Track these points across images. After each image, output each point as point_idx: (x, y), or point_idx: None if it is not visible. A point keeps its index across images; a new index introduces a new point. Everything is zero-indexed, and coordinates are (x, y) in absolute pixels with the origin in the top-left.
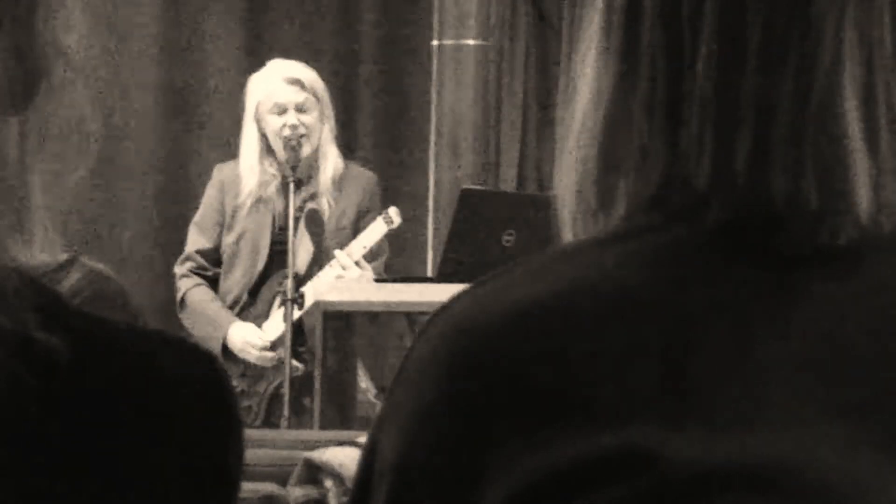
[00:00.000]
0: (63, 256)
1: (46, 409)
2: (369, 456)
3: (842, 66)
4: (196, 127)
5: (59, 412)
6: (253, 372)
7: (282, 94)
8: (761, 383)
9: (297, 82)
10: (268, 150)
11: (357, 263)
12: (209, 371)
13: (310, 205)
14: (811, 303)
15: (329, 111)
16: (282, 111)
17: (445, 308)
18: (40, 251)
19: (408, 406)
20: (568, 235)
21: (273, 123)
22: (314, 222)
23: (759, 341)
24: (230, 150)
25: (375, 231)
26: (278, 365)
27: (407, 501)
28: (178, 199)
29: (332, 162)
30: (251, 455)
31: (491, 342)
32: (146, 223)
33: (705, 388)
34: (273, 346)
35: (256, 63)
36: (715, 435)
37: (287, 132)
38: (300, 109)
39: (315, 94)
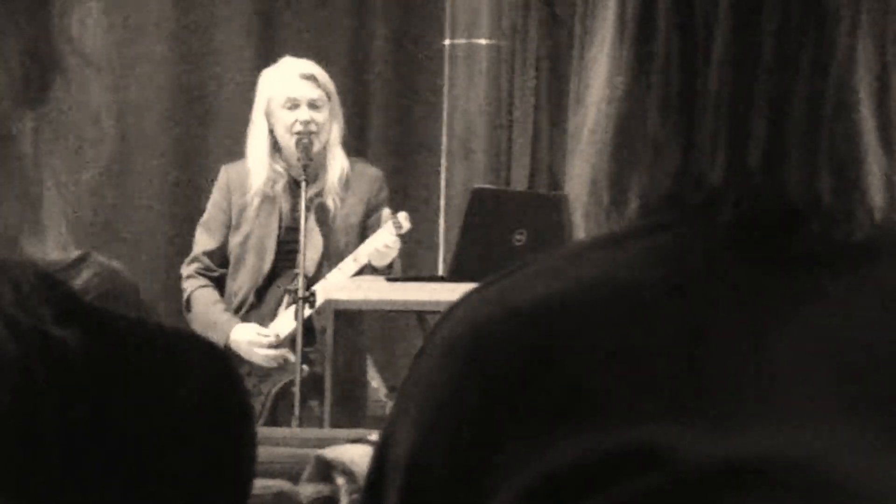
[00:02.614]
0: (75, 253)
1: (60, 403)
2: (382, 453)
3: (856, 65)
4: (209, 124)
5: (72, 406)
6: (258, 372)
7: (296, 88)
8: (775, 380)
9: (312, 78)
10: (275, 147)
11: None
12: (221, 366)
13: (318, 201)
14: (825, 300)
15: (338, 110)
16: (294, 106)
17: (457, 306)
18: (53, 248)
19: (421, 403)
20: (581, 233)
21: (284, 118)
22: (322, 218)
23: (773, 338)
24: (242, 148)
25: (384, 236)
26: (283, 365)
27: (420, 498)
28: (192, 195)
29: (338, 161)
30: (263, 452)
31: (503, 340)
32: (159, 220)
33: (719, 385)
34: (279, 343)
35: (269, 62)
36: (728, 432)
37: (299, 127)
38: (313, 105)
39: (327, 92)
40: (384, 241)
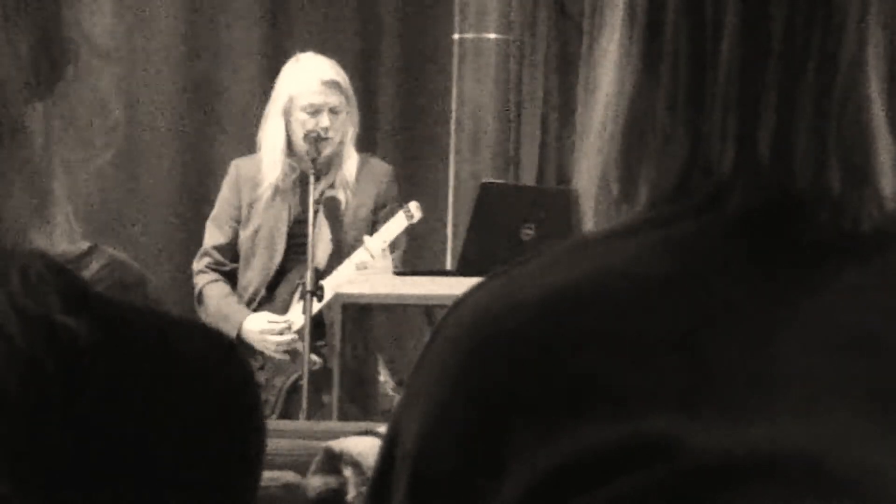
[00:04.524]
0: (84, 245)
1: (68, 392)
2: (390, 445)
3: (865, 54)
4: (218, 116)
5: (80, 395)
6: (271, 366)
7: (318, 95)
8: (783, 372)
9: (335, 84)
10: (289, 144)
11: (364, 266)
12: (230, 356)
13: (328, 196)
14: (834, 290)
15: (356, 113)
16: (316, 112)
17: (466, 297)
18: (61, 239)
19: (428, 394)
20: (589, 225)
21: (304, 122)
22: (332, 209)
23: (780, 329)
24: (251, 141)
25: (396, 226)
26: (296, 358)
27: (427, 490)
28: (200, 187)
29: (350, 157)
30: (271, 445)
31: (511, 331)
32: (168, 211)
33: (727, 377)
34: (290, 328)
35: (278, 54)
36: (735, 424)
37: (319, 133)
38: (333, 111)
39: (347, 97)
40: (396, 231)
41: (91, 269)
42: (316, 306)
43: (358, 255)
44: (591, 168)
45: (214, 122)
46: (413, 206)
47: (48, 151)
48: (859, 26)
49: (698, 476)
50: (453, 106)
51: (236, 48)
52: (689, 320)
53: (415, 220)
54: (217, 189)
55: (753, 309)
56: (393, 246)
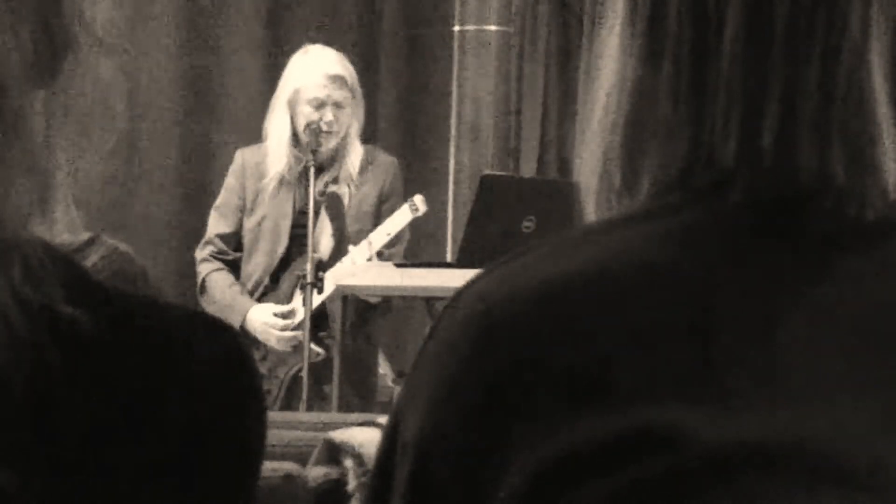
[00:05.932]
0: (85, 235)
1: (71, 381)
2: (392, 434)
3: (868, 44)
4: (218, 107)
5: (83, 385)
6: (273, 356)
7: (323, 89)
8: (785, 362)
9: (340, 79)
10: (293, 135)
11: (370, 259)
12: (232, 346)
13: (332, 188)
14: (837, 280)
15: (361, 107)
16: (320, 106)
17: (469, 286)
18: (62, 229)
19: (431, 384)
20: (591, 217)
21: (308, 115)
22: (334, 205)
23: (784, 319)
24: (252, 132)
25: (400, 219)
26: (299, 349)
27: (429, 479)
28: (201, 178)
29: (356, 150)
30: (272, 436)
31: (515, 320)
32: (168, 202)
33: (729, 368)
34: (295, 324)
35: (279, 45)
36: (738, 415)
37: (324, 127)
38: (337, 106)
39: (353, 92)
40: (400, 224)
41: (91, 260)
42: (317, 298)
43: (362, 249)
44: (592, 159)
45: (215, 113)
46: (418, 199)
47: (49, 141)
48: (863, 16)
49: (701, 466)
50: (454, 98)
51: (236, 39)
52: (692, 310)
53: (420, 214)
54: (218, 180)
55: (757, 299)
56: (396, 239)
